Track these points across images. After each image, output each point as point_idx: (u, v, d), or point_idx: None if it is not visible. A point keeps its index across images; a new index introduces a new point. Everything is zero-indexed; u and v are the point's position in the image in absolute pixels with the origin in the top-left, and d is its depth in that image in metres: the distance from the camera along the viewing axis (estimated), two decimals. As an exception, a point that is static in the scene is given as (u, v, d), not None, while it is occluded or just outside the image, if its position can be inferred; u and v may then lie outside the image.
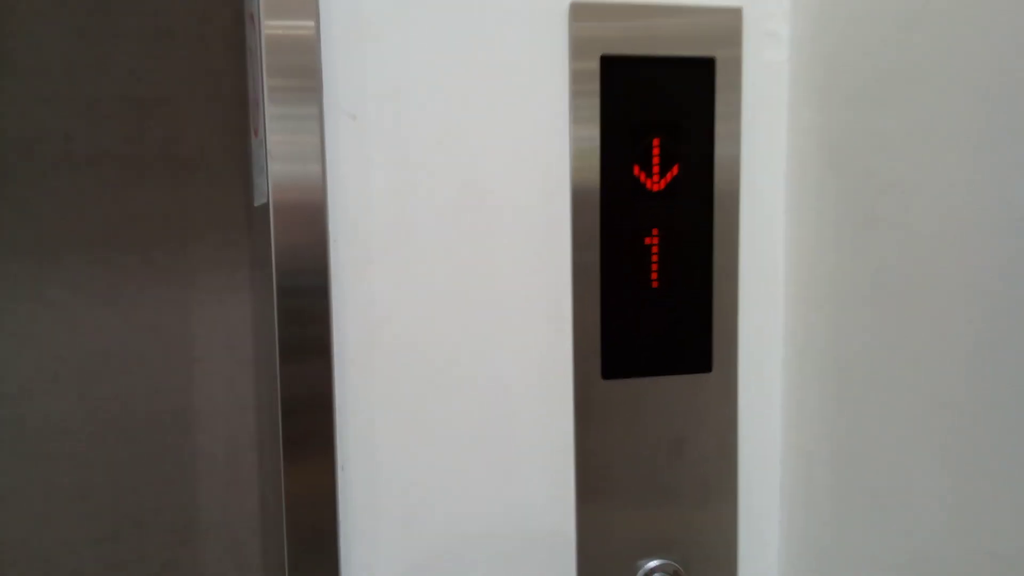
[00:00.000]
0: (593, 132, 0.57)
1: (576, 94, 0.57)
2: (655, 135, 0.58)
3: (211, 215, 0.77)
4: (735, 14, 0.58)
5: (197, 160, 0.72)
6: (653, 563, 0.62)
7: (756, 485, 0.64)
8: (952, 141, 0.47)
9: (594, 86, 0.57)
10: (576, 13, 0.56)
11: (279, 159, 0.50)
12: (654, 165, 0.59)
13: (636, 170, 0.58)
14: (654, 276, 0.60)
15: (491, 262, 0.57)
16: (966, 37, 0.46)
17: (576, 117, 0.57)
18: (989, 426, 0.46)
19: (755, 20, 0.59)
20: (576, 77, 0.56)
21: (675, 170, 0.59)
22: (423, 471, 0.58)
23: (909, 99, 0.49)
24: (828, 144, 0.57)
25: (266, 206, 0.53)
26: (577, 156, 0.57)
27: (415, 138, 0.55)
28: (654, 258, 0.59)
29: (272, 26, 0.50)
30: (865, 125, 0.53)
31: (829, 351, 0.59)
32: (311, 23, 0.50)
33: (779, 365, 0.64)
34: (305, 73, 0.51)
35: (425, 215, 0.56)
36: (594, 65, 0.56)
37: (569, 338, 0.59)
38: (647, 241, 0.59)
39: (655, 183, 0.59)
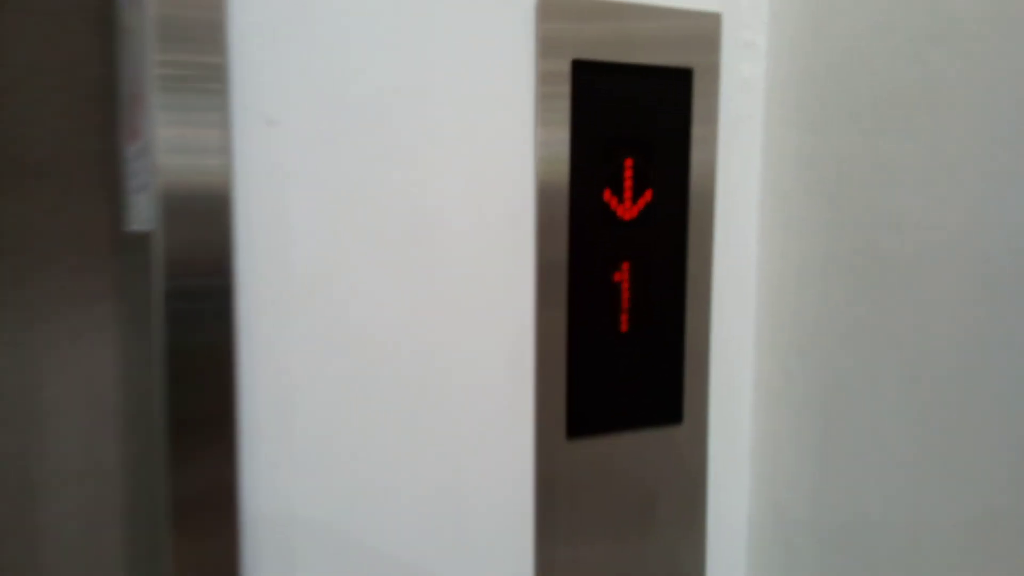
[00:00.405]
0: (562, 148, 0.48)
1: (545, 99, 0.48)
2: (628, 155, 0.50)
3: (64, 235, 0.62)
4: (713, 19, 0.52)
5: (46, 167, 0.57)
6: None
7: (726, 543, 0.58)
8: (970, 172, 0.42)
9: (564, 88, 0.48)
10: (545, 11, 0.47)
11: (171, 166, 0.38)
12: (626, 189, 0.51)
13: (607, 195, 0.50)
14: (624, 318, 0.52)
15: (441, 304, 0.47)
16: (977, 53, 0.41)
17: (545, 121, 0.48)
18: (979, 481, 0.42)
19: (733, 28, 0.53)
20: (545, 83, 0.48)
21: (648, 195, 0.51)
22: (354, 555, 0.47)
23: (918, 124, 0.44)
24: (814, 170, 0.51)
25: (147, 229, 0.41)
26: (544, 176, 0.48)
27: (352, 151, 0.44)
28: (624, 297, 0.52)
29: (166, 17, 0.37)
30: (865, 151, 0.47)
31: (810, 399, 0.53)
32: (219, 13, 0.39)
33: (748, 413, 0.58)
34: (208, 61, 0.39)
35: (362, 246, 0.45)
36: (564, 71, 0.48)
37: (531, 394, 0.50)
38: (617, 277, 0.51)
39: (627, 210, 0.51)
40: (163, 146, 0.38)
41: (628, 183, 0.51)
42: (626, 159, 0.50)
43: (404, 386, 0.47)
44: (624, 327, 0.52)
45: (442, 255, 0.47)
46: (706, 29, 0.52)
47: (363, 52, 0.43)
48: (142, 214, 0.42)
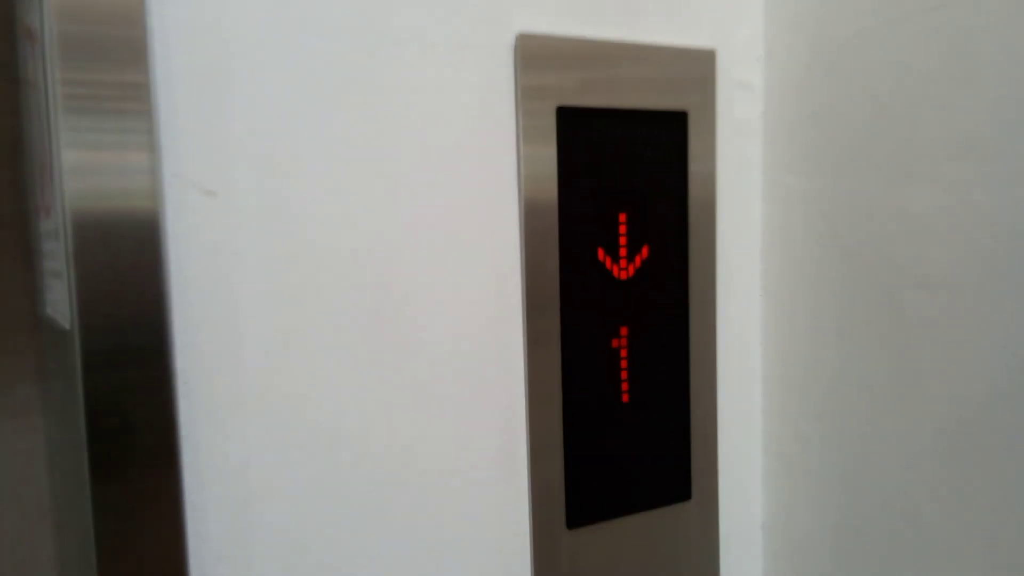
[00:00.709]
0: (550, 203, 0.43)
1: (528, 151, 0.42)
2: (621, 209, 0.45)
3: (-24, 313, 0.54)
4: (707, 57, 0.47)
5: (-50, 240, 0.49)
6: None
7: (739, 629, 0.53)
8: (1005, 226, 0.38)
9: (549, 139, 0.43)
10: (525, 53, 0.42)
11: (86, 247, 0.32)
12: (621, 247, 0.45)
13: (601, 254, 0.45)
14: (624, 388, 0.46)
15: (418, 386, 0.41)
16: (1007, 97, 0.37)
17: (528, 173, 0.42)
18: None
19: (727, 66, 0.49)
20: (527, 134, 0.42)
21: (644, 252, 0.46)
22: None
23: (946, 173, 0.40)
24: (826, 221, 0.47)
25: (63, 324, 0.34)
26: (531, 236, 0.43)
27: (307, 223, 0.37)
28: (623, 365, 0.46)
29: (69, 33, 0.31)
30: (886, 202, 0.43)
31: (828, 467, 0.48)
32: (137, 31, 0.32)
33: (760, 484, 0.53)
34: (126, 114, 0.32)
35: (324, 333, 0.38)
36: (548, 118, 0.42)
37: (525, 483, 0.44)
38: (615, 344, 0.46)
39: (623, 269, 0.46)
40: (74, 212, 0.32)
41: (623, 239, 0.45)
42: (620, 213, 0.45)
43: (377, 483, 0.40)
44: (625, 398, 0.46)
45: (418, 333, 0.40)
46: (700, 67, 0.47)
47: (314, 109, 0.37)
48: (57, 304, 0.35)
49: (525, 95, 0.42)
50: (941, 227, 0.40)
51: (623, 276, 0.46)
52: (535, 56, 0.42)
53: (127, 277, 0.32)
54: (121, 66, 0.32)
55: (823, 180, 0.46)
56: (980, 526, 0.40)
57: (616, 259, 0.45)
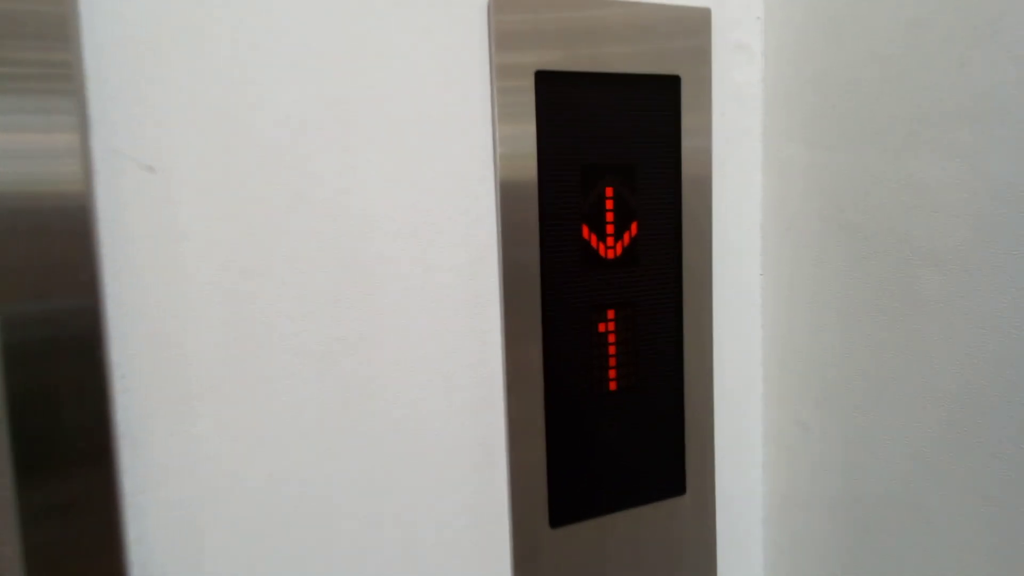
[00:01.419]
0: (529, 179, 0.39)
1: (503, 121, 0.39)
2: (608, 183, 0.42)
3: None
4: (702, 15, 0.43)
5: None
6: None
7: (738, 628, 0.50)
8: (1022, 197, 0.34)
9: (527, 107, 0.39)
10: (500, 11, 0.38)
11: (6, 233, 0.28)
12: (608, 223, 0.42)
13: (586, 231, 0.41)
14: (612, 375, 0.43)
15: (382, 379, 0.38)
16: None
17: (505, 147, 0.39)
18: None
19: (723, 26, 0.45)
20: (503, 101, 0.39)
21: (633, 229, 0.43)
22: None
23: (959, 141, 0.36)
24: (829, 194, 0.43)
25: None
26: (508, 214, 0.39)
27: (260, 201, 0.34)
28: (611, 351, 0.43)
29: None
30: (893, 173, 0.39)
31: (832, 457, 0.45)
32: (63, 7, 0.29)
33: (760, 476, 0.50)
34: (51, 93, 0.29)
35: (281, 319, 0.35)
36: (526, 84, 0.39)
37: (504, 480, 0.41)
38: (602, 328, 0.42)
39: (609, 247, 0.42)
40: None
41: (610, 216, 0.42)
42: (606, 187, 0.42)
43: (342, 481, 0.37)
44: (613, 386, 0.43)
45: (385, 318, 0.37)
46: (694, 28, 0.43)
47: (267, 72, 0.34)
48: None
49: (500, 58, 0.38)
50: (951, 198, 0.36)
51: (610, 255, 0.42)
52: (511, 15, 0.38)
53: (54, 264, 0.29)
54: (45, 43, 0.29)
55: (826, 149, 0.43)
56: (989, 520, 0.36)
57: (602, 237, 0.42)
